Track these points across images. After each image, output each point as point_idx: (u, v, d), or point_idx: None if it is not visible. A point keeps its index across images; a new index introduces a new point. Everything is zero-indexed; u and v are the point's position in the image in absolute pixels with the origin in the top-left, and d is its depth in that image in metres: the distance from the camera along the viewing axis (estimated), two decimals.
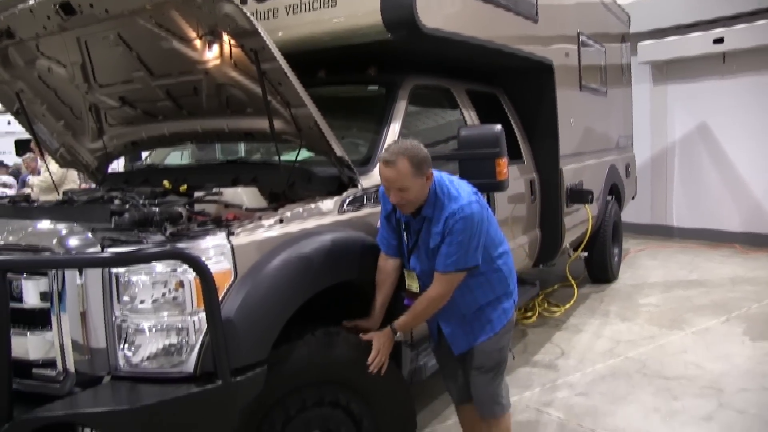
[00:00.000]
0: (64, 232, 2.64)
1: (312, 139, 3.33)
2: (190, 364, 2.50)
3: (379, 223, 3.25)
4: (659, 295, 7.38)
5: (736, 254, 9.32)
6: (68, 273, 2.50)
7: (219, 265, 2.56)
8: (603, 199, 7.38)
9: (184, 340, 2.50)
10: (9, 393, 2.25)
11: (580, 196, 6.17)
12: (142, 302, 2.49)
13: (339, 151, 3.23)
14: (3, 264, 2.27)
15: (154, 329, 2.50)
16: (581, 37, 6.66)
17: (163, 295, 2.50)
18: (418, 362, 3.70)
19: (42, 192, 8.02)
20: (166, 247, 2.49)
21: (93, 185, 4.68)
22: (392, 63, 4.34)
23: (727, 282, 7.78)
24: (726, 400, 4.51)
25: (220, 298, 2.49)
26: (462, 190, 2.96)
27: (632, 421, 4.26)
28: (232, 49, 3.18)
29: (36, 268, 2.58)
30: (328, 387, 2.97)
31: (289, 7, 3.86)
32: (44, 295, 2.56)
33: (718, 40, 9.53)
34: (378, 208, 3.36)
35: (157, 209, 2.95)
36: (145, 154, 5.38)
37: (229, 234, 2.67)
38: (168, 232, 2.70)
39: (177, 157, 5.52)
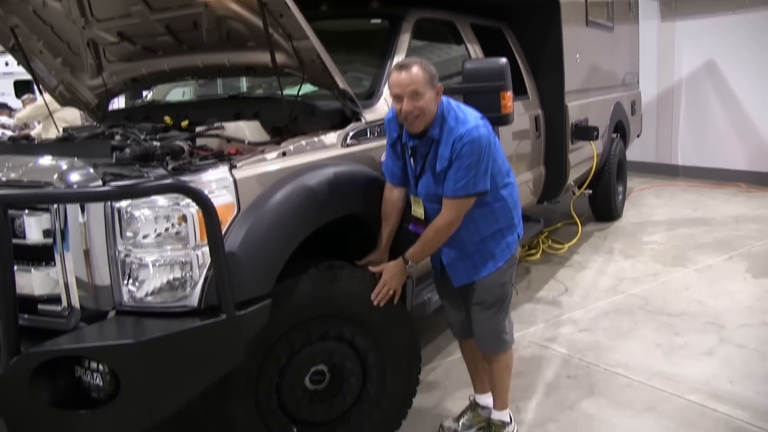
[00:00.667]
0: (65, 167, 2.60)
1: (314, 72, 3.28)
2: (194, 299, 2.50)
3: (384, 155, 3.21)
4: (663, 233, 7.38)
5: (740, 193, 9.27)
6: (70, 210, 2.48)
7: (222, 198, 2.54)
8: (608, 137, 7.32)
9: (187, 275, 2.49)
10: (16, 328, 2.25)
11: (585, 132, 6.10)
12: (145, 237, 2.48)
13: (342, 84, 3.18)
14: (3, 199, 2.25)
15: (157, 264, 2.49)
16: None
17: (166, 229, 2.48)
18: (423, 297, 3.71)
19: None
20: (169, 180, 2.46)
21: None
22: None
23: (731, 220, 7.76)
24: (727, 335, 4.55)
25: (223, 231, 2.47)
26: (469, 114, 2.92)
27: (634, 356, 4.30)
28: None
29: (37, 203, 2.55)
30: (333, 321, 2.99)
31: None
32: (47, 233, 2.54)
33: None
34: (382, 142, 3.34)
35: (159, 144, 2.91)
36: (146, 93, 5.33)
37: (232, 167, 2.65)
38: (170, 167, 2.68)
39: (178, 94, 5.46)
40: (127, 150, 2.83)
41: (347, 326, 3.02)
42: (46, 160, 2.79)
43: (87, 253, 2.49)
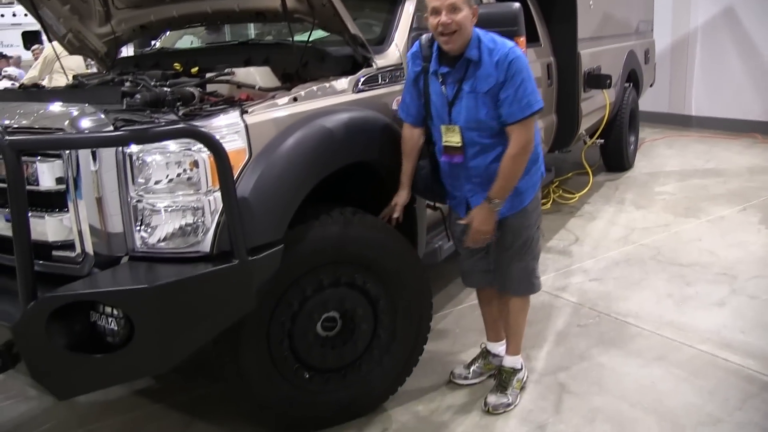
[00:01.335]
0: (75, 113, 2.59)
1: (325, 17, 3.23)
2: (206, 244, 2.50)
3: (399, 98, 3.20)
4: (675, 183, 7.34)
5: (755, 144, 9.18)
6: (82, 158, 2.47)
7: (233, 143, 2.52)
8: (620, 86, 7.25)
9: (199, 220, 2.49)
10: (32, 273, 2.26)
11: (598, 81, 6.05)
12: (157, 183, 2.47)
13: (353, 29, 3.14)
14: (16, 144, 2.24)
15: (169, 210, 2.49)
16: None
17: (178, 175, 2.47)
18: (434, 245, 3.72)
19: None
20: (181, 125, 2.44)
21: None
22: None
23: (744, 171, 7.70)
24: (739, 286, 4.55)
25: (235, 177, 2.46)
26: (500, 38, 2.93)
27: (645, 305, 4.31)
28: None
29: (49, 149, 2.54)
30: (345, 267, 2.98)
31: None
32: (59, 180, 2.54)
33: None
34: (393, 88, 3.33)
35: (169, 90, 2.89)
36: (154, 42, 5.28)
37: (243, 112, 2.62)
38: (181, 113, 2.66)
39: (187, 43, 5.40)
40: (138, 96, 2.80)
41: (359, 272, 3.02)
42: (56, 107, 2.79)
43: (99, 201, 2.49)
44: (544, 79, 5.34)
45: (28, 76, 8.62)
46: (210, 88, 3.20)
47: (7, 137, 2.17)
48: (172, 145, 2.45)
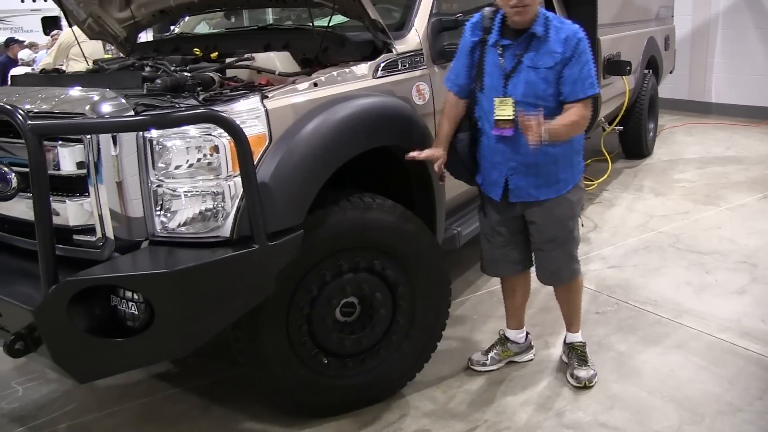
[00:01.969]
0: (96, 98, 2.60)
1: (345, 2, 3.21)
2: (226, 229, 2.51)
3: (448, 71, 3.23)
4: (694, 171, 7.28)
5: None
6: (103, 143, 2.47)
7: (254, 128, 2.52)
8: (640, 72, 7.18)
9: (220, 205, 2.49)
10: (53, 257, 2.27)
11: (618, 67, 5.98)
12: (177, 168, 2.48)
13: (373, 14, 3.11)
14: (38, 129, 2.24)
15: (189, 194, 2.49)
16: None
17: (198, 159, 2.47)
18: (452, 231, 3.71)
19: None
20: (201, 110, 2.44)
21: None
22: None
23: (765, 159, 7.62)
24: (760, 274, 4.51)
25: (255, 162, 2.46)
26: (566, 20, 3.03)
27: (664, 293, 4.28)
28: None
29: (71, 133, 2.55)
30: (364, 252, 2.98)
31: None
32: (80, 164, 2.55)
33: None
34: (413, 74, 3.32)
35: (190, 75, 2.89)
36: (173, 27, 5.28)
37: (263, 98, 2.62)
38: (201, 97, 2.66)
39: (206, 28, 5.40)
40: (158, 81, 2.82)
41: (378, 258, 3.02)
42: (77, 92, 2.79)
43: (120, 185, 2.50)
44: None
45: (42, 63, 8.68)
46: (230, 73, 3.20)
47: (29, 122, 2.18)
48: (192, 130, 2.45)
